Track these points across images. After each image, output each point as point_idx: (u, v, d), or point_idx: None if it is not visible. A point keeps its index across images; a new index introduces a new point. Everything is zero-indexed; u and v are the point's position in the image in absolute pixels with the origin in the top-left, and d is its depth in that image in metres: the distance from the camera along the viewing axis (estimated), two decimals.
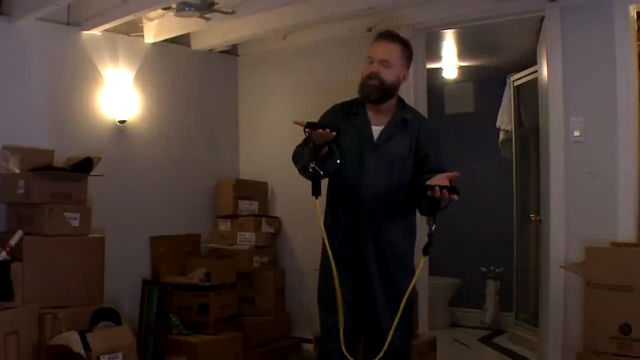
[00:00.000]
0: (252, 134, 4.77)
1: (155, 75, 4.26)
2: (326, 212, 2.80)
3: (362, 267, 2.69)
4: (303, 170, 2.59)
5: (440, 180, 2.38)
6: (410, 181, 2.69)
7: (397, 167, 2.68)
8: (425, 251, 2.49)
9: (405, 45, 2.74)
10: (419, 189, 2.47)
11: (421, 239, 2.78)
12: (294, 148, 2.77)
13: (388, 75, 2.67)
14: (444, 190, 2.32)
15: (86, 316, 3.37)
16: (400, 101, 2.79)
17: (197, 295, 3.87)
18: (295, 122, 2.41)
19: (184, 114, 4.46)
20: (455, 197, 2.33)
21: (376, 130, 2.72)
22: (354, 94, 2.80)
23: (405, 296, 2.54)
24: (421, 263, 2.52)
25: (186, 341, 3.73)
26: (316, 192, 2.49)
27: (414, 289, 2.62)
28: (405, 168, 2.70)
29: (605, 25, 3.20)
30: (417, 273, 2.58)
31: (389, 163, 2.67)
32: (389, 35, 2.74)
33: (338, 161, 2.55)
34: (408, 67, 2.77)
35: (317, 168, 2.47)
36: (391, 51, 2.69)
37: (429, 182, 2.39)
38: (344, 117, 2.75)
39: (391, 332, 2.54)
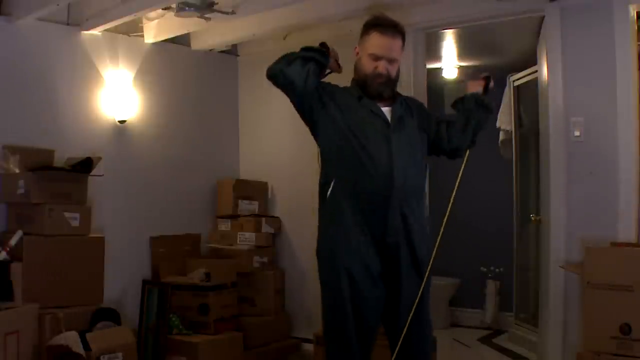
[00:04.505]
0: (252, 134, 4.77)
1: (155, 75, 4.27)
2: (333, 203, 2.62)
3: (395, 257, 2.58)
4: (302, 59, 2.60)
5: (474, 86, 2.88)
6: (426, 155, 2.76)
7: (418, 144, 2.68)
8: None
9: (404, 34, 2.71)
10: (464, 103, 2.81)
11: None
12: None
13: (394, 71, 2.68)
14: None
15: (86, 316, 3.38)
16: None
17: (197, 295, 3.87)
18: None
19: (184, 114, 4.46)
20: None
21: (385, 112, 2.66)
22: None
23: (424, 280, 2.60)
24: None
25: (186, 341, 3.73)
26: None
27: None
28: (423, 144, 2.72)
29: (605, 26, 3.19)
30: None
31: (410, 142, 2.64)
32: (392, 27, 2.66)
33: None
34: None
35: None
36: (396, 47, 2.66)
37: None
38: (351, 96, 2.69)
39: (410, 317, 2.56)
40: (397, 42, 2.66)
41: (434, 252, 2.65)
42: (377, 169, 2.53)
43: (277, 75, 2.58)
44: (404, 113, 2.68)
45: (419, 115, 2.76)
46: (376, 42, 2.64)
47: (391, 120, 2.64)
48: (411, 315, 2.58)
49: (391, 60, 2.65)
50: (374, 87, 2.65)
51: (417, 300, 2.59)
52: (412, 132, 2.67)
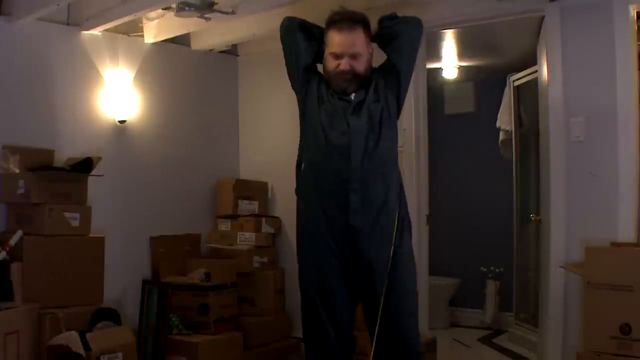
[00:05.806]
0: (252, 134, 4.77)
1: (155, 75, 4.26)
2: (304, 186, 2.67)
3: (354, 240, 2.56)
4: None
5: None
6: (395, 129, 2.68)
7: (378, 123, 2.57)
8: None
9: (366, 24, 2.61)
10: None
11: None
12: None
13: (360, 65, 2.59)
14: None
15: (86, 316, 3.38)
16: None
17: (197, 295, 3.87)
18: None
19: (183, 114, 4.46)
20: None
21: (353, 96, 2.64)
22: None
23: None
24: None
25: (186, 341, 3.73)
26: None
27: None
28: (390, 121, 2.62)
29: (605, 25, 3.19)
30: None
31: (370, 117, 2.55)
32: (348, 20, 2.57)
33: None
34: (371, 41, 2.66)
35: None
36: (358, 40, 2.57)
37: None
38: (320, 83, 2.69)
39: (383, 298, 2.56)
40: (358, 35, 2.57)
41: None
42: (339, 154, 2.51)
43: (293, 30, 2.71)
44: (367, 95, 2.60)
45: (383, 76, 2.66)
46: (335, 40, 2.58)
47: (352, 104, 2.59)
48: (385, 289, 2.57)
49: (354, 56, 2.56)
50: (338, 85, 2.60)
51: (389, 267, 2.57)
52: (373, 106, 2.58)
